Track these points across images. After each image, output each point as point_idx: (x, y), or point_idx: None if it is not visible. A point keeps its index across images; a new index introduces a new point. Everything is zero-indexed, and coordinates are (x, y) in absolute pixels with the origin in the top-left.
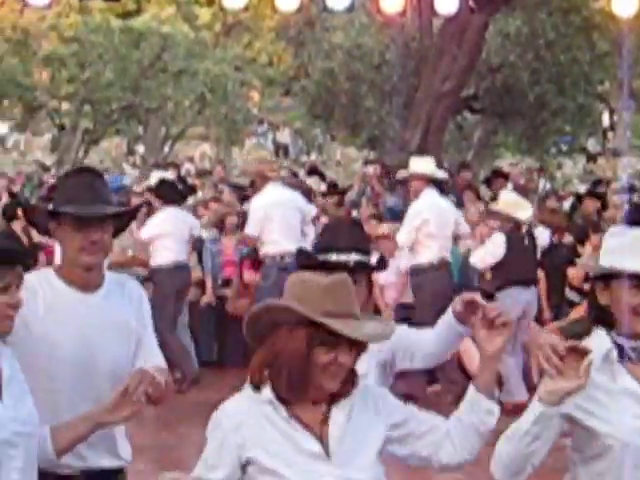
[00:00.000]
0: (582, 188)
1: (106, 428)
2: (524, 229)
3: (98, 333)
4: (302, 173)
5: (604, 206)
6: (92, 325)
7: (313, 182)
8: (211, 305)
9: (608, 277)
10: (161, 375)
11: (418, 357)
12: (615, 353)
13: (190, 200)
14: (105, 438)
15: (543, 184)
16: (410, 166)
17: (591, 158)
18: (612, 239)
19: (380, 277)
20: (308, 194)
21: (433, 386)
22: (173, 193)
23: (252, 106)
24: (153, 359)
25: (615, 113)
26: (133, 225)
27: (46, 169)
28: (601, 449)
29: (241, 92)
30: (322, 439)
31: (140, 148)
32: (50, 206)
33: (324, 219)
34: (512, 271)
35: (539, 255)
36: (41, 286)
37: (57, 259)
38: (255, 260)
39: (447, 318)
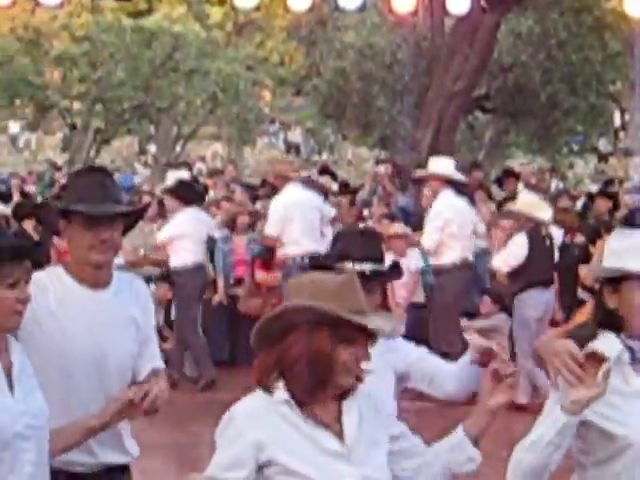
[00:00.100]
0: (594, 188)
1: (99, 433)
2: (544, 230)
3: (108, 330)
4: (314, 172)
5: (616, 206)
6: (102, 321)
7: (325, 182)
8: (223, 304)
9: (617, 280)
10: (160, 380)
11: (437, 385)
12: (627, 355)
13: None
14: (113, 435)
15: (556, 184)
16: (429, 166)
17: (603, 158)
18: (619, 241)
19: None
20: (325, 194)
21: None
22: (191, 194)
23: (264, 105)
24: (154, 361)
25: (627, 113)
26: (146, 226)
27: (57, 168)
28: (617, 451)
29: (253, 91)
30: (339, 437)
31: (152, 147)
32: (60, 204)
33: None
34: (533, 272)
35: None
36: (52, 283)
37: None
38: (267, 259)
39: (466, 359)
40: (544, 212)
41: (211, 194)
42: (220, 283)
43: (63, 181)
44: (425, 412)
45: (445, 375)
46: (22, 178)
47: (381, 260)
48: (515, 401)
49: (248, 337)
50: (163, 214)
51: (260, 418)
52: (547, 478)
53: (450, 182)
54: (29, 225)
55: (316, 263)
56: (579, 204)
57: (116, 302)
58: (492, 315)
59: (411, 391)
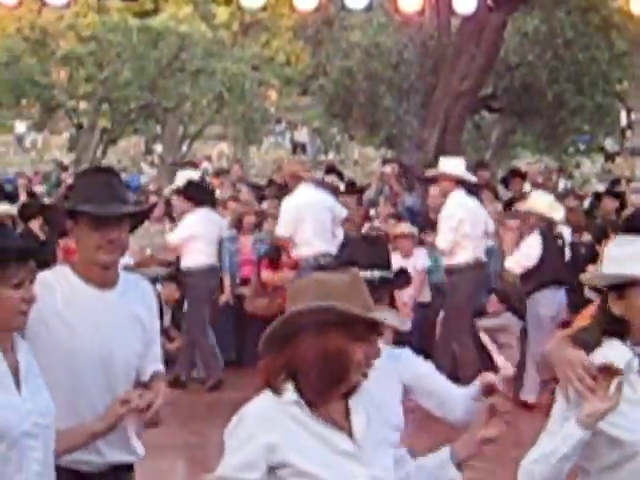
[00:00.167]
0: (600, 187)
1: (100, 438)
2: (556, 230)
3: (115, 329)
4: (320, 172)
5: (623, 205)
6: (109, 321)
7: (331, 181)
8: (229, 304)
9: (621, 286)
10: (161, 387)
11: (448, 409)
12: (637, 363)
13: None
14: (121, 435)
15: (564, 184)
16: (439, 166)
17: (609, 157)
18: (620, 248)
19: None
20: (335, 194)
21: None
22: (203, 194)
23: (270, 105)
24: (156, 362)
25: (633, 112)
26: (152, 226)
27: (64, 168)
28: (623, 457)
29: (259, 91)
30: (349, 436)
31: (158, 147)
32: (67, 205)
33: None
34: (547, 272)
35: None
36: (59, 283)
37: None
38: (273, 259)
39: (471, 392)
40: (557, 212)
41: (217, 194)
42: (227, 283)
43: (70, 181)
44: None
45: (456, 400)
46: (28, 178)
47: (388, 267)
48: (523, 399)
49: (255, 337)
50: (170, 214)
51: (270, 419)
52: None
53: (461, 182)
54: (35, 225)
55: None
56: (586, 204)
57: (122, 302)
58: (499, 314)
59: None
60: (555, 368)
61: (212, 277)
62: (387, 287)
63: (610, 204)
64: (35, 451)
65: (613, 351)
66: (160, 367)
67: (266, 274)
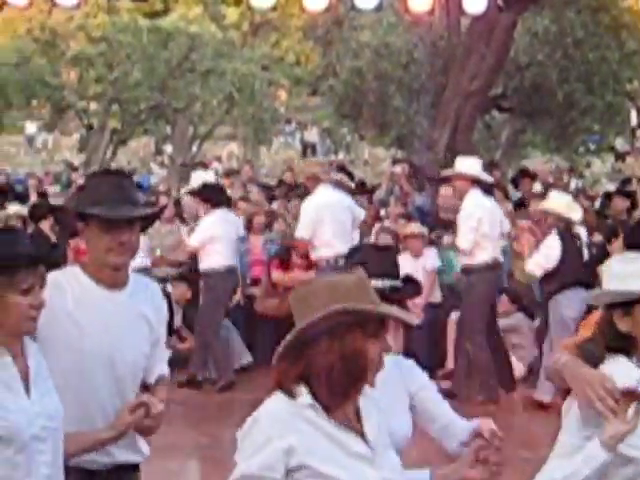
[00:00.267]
0: (611, 187)
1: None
2: (574, 230)
3: (124, 330)
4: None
5: (634, 205)
6: (118, 322)
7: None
8: (240, 304)
9: (627, 303)
10: (164, 387)
11: (450, 435)
12: None
13: None
14: (128, 435)
15: (575, 183)
16: (455, 166)
17: (619, 157)
18: (623, 265)
19: None
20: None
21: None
22: (219, 195)
23: (280, 105)
24: (162, 364)
25: None
26: (163, 226)
27: (74, 169)
28: (633, 474)
29: (269, 91)
30: (363, 439)
31: (168, 148)
32: (77, 207)
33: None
34: (568, 273)
35: None
36: (69, 283)
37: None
38: (283, 260)
39: (469, 428)
40: (575, 212)
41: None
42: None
43: (80, 182)
44: None
45: (456, 431)
46: (39, 179)
47: (397, 276)
48: (538, 399)
49: (265, 337)
50: (180, 214)
51: (286, 422)
52: None
53: (476, 182)
54: (46, 225)
55: None
56: (596, 203)
57: (131, 303)
58: (510, 314)
59: None
60: (571, 384)
61: (230, 279)
62: (396, 296)
63: (621, 204)
64: (44, 454)
65: (619, 368)
66: (165, 369)
67: (276, 274)
